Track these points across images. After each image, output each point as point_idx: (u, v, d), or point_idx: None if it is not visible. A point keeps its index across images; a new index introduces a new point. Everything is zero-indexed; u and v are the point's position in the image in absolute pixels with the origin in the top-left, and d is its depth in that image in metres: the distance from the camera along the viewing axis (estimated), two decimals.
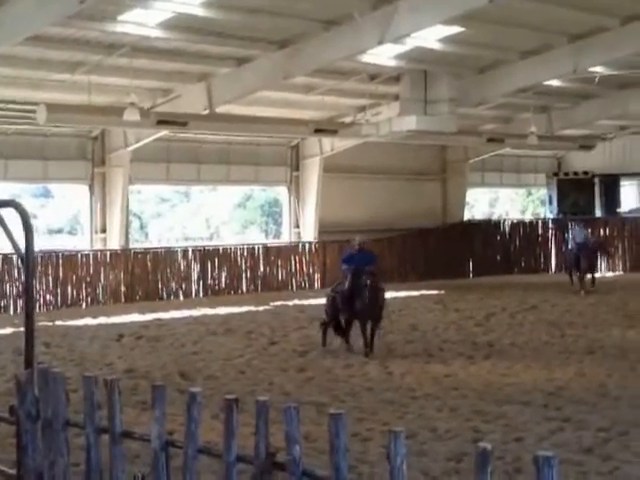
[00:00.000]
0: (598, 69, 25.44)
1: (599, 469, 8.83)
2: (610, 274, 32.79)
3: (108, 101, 22.05)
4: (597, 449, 9.52)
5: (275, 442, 5.03)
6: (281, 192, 30.59)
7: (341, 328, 16.31)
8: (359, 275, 16.00)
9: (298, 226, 29.07)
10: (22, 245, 7.07)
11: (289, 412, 4.91)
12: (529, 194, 45.69)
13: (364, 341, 15.83)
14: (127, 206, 25.75)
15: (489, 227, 34.43)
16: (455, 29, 20.69)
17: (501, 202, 47.84)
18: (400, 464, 4.51)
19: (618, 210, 36.12)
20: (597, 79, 25.96)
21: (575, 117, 30.47)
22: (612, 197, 35.74)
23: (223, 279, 26.66)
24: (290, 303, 24.23)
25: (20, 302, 22.26)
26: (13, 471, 6.27)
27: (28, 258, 6.96)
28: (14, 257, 21.42)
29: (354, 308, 15.90)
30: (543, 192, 38.14)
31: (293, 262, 27.96)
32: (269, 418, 4.96)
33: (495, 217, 40.45)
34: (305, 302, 24.24)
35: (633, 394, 12.17)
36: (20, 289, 22.09)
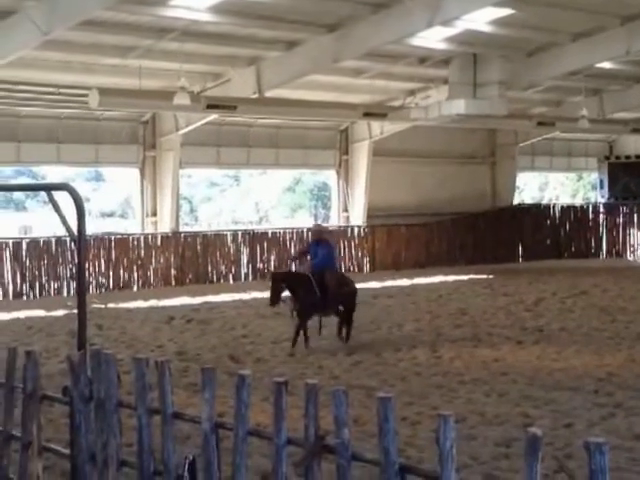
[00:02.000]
0: None
1: None
2: None
3: (159, 85, 22.21)
4: None
5: (324, 425, 5.06)
6: (330, 176, 30.61)
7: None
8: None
9: (347, 210, 29.07)
10: (75, 228, 7.18)
11: (338, 395, 4.93)
12: (580, 178, 45.30)
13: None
14: (177, 190, 25.94)
15: (539, 211, 34.14)
16: (505, 11, 20.49)
17: (551, 186, 47.46)
18: (450, 448, 4.52)
19: None
20: None
21: (627, 100, 30.05)
22: None
23: (272, 262, 26.77)
24: None
25: (73, 284, 22.57)
26: (67, 451, 6.39)
27: (81, 241, 7.07)
28: (67, 240, 21.71)
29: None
30: (594, 176, 37.74)
31: (342, 246, 27.99)
32: (318, 401, 5.00)
33: (545, 201, 40.10)
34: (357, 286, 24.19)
35: None
36: (73, 271, 22.39)
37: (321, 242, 15.49)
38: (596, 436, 9.23)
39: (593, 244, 33.76)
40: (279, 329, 16.88)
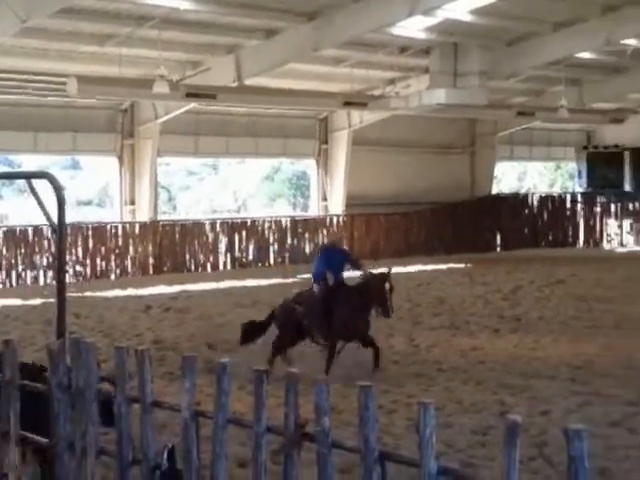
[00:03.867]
0: (631, 41, 25.15)
1: (627, 442, 8.84)
2: (639, 248, 32.60)
3: (138, 73, 22.09)
4: (624, 422, 9.53)
5: (303, 414, 5.08)
6: (309, 165, 30.56)
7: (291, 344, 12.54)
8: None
9: (326, 199, 29.06)
10: (54, 217, 7.14)
11: (319, 385, 4.92)
12: (558, 168, 45.41)
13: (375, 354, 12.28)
14: (156, 178, 25.84)
15: (517, 201, 34.28)
16: (486, 1, 20.51)
17: (529, 176, 47.58)
18: (429, 436, 4.52)
19: None
20: (630, 51, 25.69)
21: (606, 90, 30.17)
22: None
23: (250, 251, 26.74)
24: None
25: (50, 273, 22.47)
26: (46, 440, 6.37)
27: (61, 230, 7.04)
28: (44, 228, 21.60)
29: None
30: (572, 166, 37.87)
31: (320, 235, 27.99)
32: (298, 390, 5.00)
33: (523, 191, 40.23)
34: None
35: None
36: (50, 260, 22.29)
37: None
38: (573, 423, 9.32)
39: (570, 233, 33.91)
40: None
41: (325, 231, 28.10)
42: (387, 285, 11.98)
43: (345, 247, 13.56)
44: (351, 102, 25.32)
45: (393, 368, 12.54)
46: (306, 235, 27.82)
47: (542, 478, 7.47)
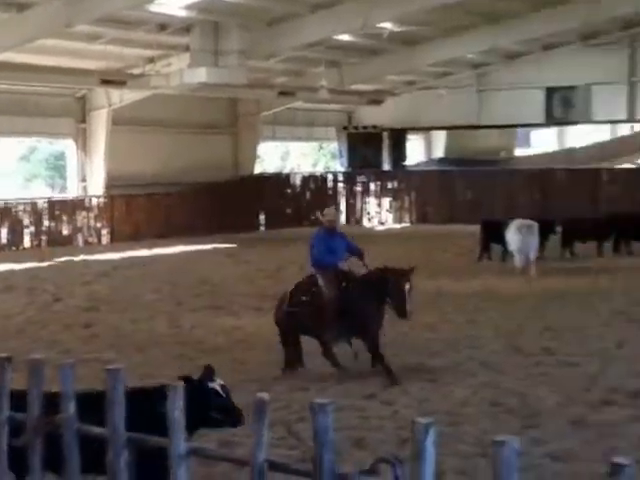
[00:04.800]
0: (387, 25, 25.88)
1: (380, 413, 9.05)
2: (397, 226, 33.75)
3: None
4: (379, 395, 9.75)
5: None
6: (68, 145, 29.51)
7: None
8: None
9: (85, 180, 28.19)
10: None
11: (64, 370, 4.85)
12: (321, 148, 46.30)
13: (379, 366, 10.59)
14: None
15: (280, 180, 34.65)
16: None
17: (293, 156, 48.25)
18: (178, 417, 4.54)
19: (404, 163, 37.15)
20: (386, 35, 26.43)
21: (365, 72, 30.95)
22: (399, 151, 36.70)
23: (4, 234, 25.57)
24: (76, 259, 23.51)
25: None
26: None
27: None
28: None
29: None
30: (334, 146, 38.69)
31: (80, 217, 27.16)
32: (44, 376, 4.88)
33: (287, 170, 40.72)
34: (92, 257, 23.64)
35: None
36: None
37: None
38: (328, 398, 9.43)
39: None
40: (10, 302, 16.13)
41: (85, 213, 27.22)
42: (407, 284, 10.48)
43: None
44: (109, 80, 24.68)
45: (155, 350, 12.31)
46: (64, 217, 26.90)
47: (299, 454, 7.48)
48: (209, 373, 6.20)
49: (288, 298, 10.99)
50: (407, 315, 10.51)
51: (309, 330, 10.77)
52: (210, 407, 5.96)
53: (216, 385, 6.05)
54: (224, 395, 5.95)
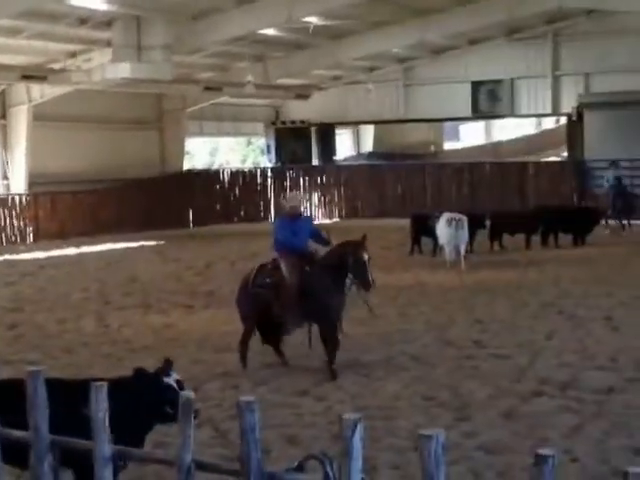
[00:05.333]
0: (312, 19, 25.81)
1: (313, 409, 8.97)
2: (327, 221, 33.74)
3: None
4: (312, 391, 9.67)
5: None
6: None
7: (273, 334, 11.07)
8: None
9: (7, 178, 27.59)
10: None
11: None
12: (249, 143, 46.10)
13: (327, 354, 10.49)
14: None
15: (208, 176, 34.38)
16: None
17: (222, 151, 47.98)
18: (103, 418, 4.51)
19: (334, 158, 37.17)
20: (311, 29, 26.35)
21: (290, 66, 30.85)
22: (328, 146, 36.68)
23: None
24: (0, 258, 23.01)
25: None
26: None
27: None
28: None
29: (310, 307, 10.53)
30: (263, 141, 38.53)
31: (2, 215, 26.59)
32: None
33: (216, 166, 40.45)
34: (16, 257, 23.16)
35: None
36: None
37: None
38: (261, 395, 9.35)
39: (262, 207, 34.47)
40: None
41: (7, 211, 26.67)
42: (365, 255, 10.29)
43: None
44: (29, 75, 24.15)
45: (82, 350, 12.13)
46: None
47: (230, 453, 7.35)
48: (167, 367, 6.05)
49: (252, 280, 10.82)
50: (371, 285, 10.37)
51: (270, 312, 10.63)
52: (164, 402, 5.80)
53: (171, 380, 5.87)
54: (179, 390, 5.80)
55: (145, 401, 5.38)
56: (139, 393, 5.72)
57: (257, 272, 10.88)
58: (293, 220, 10.98)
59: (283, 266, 10.62)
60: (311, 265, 10.56)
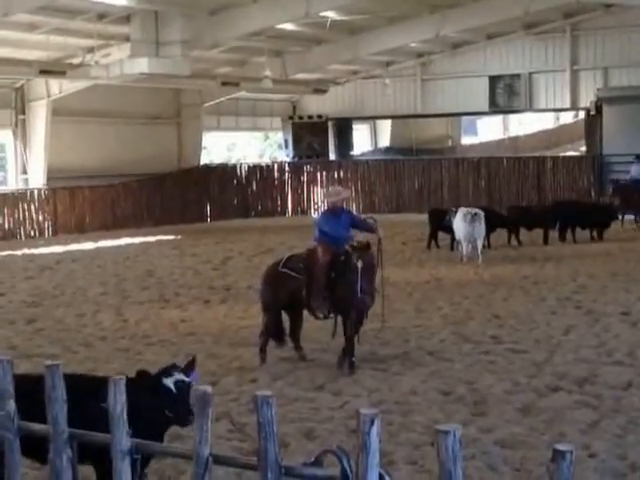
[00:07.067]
0: (330, 14, 25.79)
1: (330, 404, 8.98)
2: None
3: None
4: (328, 385, 9.69)
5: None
6: (6, 137, 28.94)
7: (294, 325, 11.14)
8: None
9: (26, 172, 27.72)
10: None
11: (1, 366, 4.75)
12: (266, 138, 46.06)
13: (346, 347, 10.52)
14: None
15: (225, 171, 34.40)
16: None
17: (239, 146, 47.97)
18: (120, 412, 4.51)
19: (351, 153, 37.14)
20: (328, 24, 26.32)
21: (308, 61, 30.83)
22: (345, 140, 36.65)
23: None
24: (19, 253, 23.13)
25: None
26: None
27: None
28: None
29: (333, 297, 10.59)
30: (280, 136, 38.51)
31: (21, 210, 26.71)
32: None
33: (233, 161, 40.47)
34: (35, 251, 23.27)
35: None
36: None
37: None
38: (280, 389, 9.39)
39: (279, 202, 34.51)
40: None
41: (26, 205, 26.80)
42: (360, 262, 10.19)
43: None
44: (48, 70, 24.25)
45: (101, 345, 12.18)
46: (5, 210, 26.43)
47: (248, 446, 7.38)
48: (190, 365, 5.98)
49: (282, 263, 10.89)
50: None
51: (297, 297, 10.65)
52: (162, 406, 5.69)
53: (169, 382, 5.80)
54: (176, 392, 5.72)
55: (142, 405, 5.27)
56: (136, 396, 5.56)
57: (288, 258, 10.99)
58: (334, 215, 10.99)
59: (319, 253, 10.67)
60: (345, 260, 10.47)
